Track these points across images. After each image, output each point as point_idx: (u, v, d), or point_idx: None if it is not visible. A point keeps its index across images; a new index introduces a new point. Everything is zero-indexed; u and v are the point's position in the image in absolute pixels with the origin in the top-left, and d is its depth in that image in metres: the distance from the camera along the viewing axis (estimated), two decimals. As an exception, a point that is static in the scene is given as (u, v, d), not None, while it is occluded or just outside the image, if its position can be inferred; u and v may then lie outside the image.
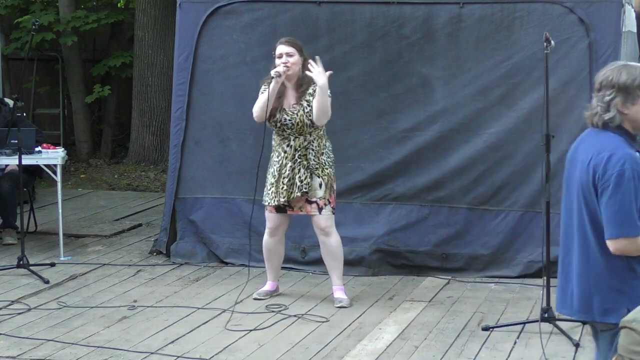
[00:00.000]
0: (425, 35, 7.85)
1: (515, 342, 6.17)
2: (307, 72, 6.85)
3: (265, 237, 7.15)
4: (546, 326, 6.27)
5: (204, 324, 6.61)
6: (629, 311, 3.20)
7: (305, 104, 6.93)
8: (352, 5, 7.95)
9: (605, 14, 7.59)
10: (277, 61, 6.92)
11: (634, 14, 8.57)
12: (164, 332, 6.42)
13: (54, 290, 7.48)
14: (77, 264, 8.28)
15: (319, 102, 6.82)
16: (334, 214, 7.06)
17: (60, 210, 8.44)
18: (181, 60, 8.24)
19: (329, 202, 7.01)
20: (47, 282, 7.62)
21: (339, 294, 7.06)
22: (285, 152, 6.95)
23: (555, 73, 7.46)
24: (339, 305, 6.97)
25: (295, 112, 6.92)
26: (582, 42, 7.60)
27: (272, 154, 7.06)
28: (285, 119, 6.92)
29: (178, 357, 5.93)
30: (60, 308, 7.00)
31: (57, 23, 13.13)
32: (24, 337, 6.29)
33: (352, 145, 8.01)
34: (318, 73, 6.79)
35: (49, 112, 14.02)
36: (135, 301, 7.16)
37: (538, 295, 7.09)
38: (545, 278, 6.39)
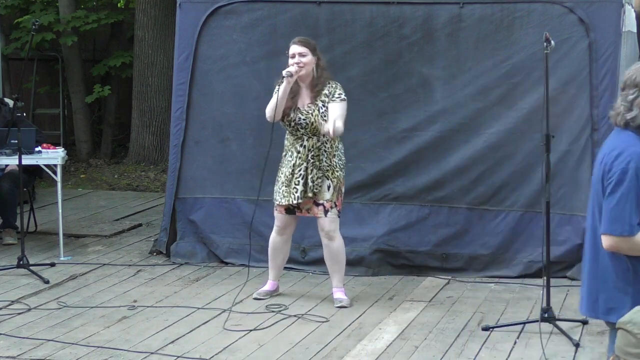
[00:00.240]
0: (425, 35, 7.85)
1: (515, 342, 6.17)
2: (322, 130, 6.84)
3: (273, 235, 7.13)
4: (546, 326, 6.28)
5: (203, 324, 6.61)
6: None
7: (320, 104, 6.91)
8: (352, 5, 7.95)
9: (605, 14, 7.59)
10: (290, 61, 6.90)
11: (634, 14, 8.57)
12: (164, 332, 6.42)
13: (54, 290, 7.48)
14: (77, 264, 8.28)
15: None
16: (339, 217, 7.05)
17: (60, 210, 8.44)
18: (181, 60, 8.24)
19: (336, 205, 7.00)
20: (47, 282, 7.62)
21: (340, 294, 7.06)
22: (298, 152, 6.93)
23: (555, 73, 7.46)
24: (339, 305, 6.97)
25: (310, 111, 6.90)
26: (582, 42, 7.61)
27: (284, 154, 7.03)
28: (300, 118, 6.90)
29: (178, 357, 5.93)
30: (60, 308, 7.00)
31: (57, 23, 13.13)
32: (24, 337, 6.29)
33: (352, 145, 8.00)
34: (328, 131, 6.78)
35: (49, 112, 14.03)
36: (135, 301, 7.16)
37: (538, 295, 7.09)
38: (545, 278, 6.39)
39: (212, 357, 5.93)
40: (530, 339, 6.20)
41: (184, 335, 6.36)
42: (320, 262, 7.76)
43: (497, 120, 7.80)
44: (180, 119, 8.26)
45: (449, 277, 7.75)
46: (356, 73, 7.96)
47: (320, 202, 6.95)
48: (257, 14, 8.10)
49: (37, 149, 8.36)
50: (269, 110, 6.91)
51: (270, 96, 7.05)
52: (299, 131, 6.92)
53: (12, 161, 8.32)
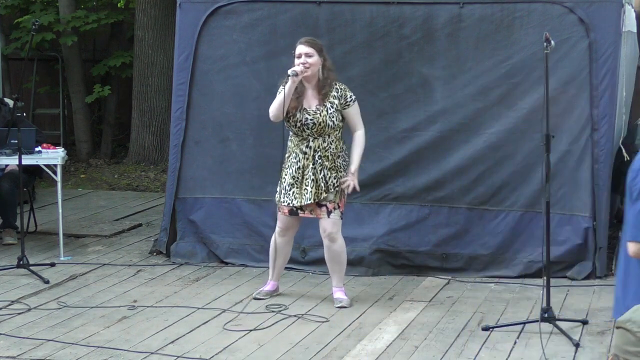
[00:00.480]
0: (425, 35, 7.85)
1: (515, 342, 6.17)
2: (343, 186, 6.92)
3: (275, 236, 7.12)
4: (546, 326, 6.28)
5: (204, 324, 6.61)
6: None
7: (329, 105, 6.90)
8: (352, 5, 7.95)
9: (605, 14, 7.59)
10: (296, 61, 6.88)
11: (634, 14, 8.58)
12: (164, 332, 6.42)
13: (54, 290, 7.48)
14: (77, 264, 8.28)
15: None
16: (341, 218, 7.04)
17: (60, 210, 8.44)
18: (181, 60, 8.24)
19: (338, 207, 6.99)
20: (47, 282, 7.62)
21: (340, 294, 7.06)
22: (304, 153, 6.91)
23: (555, 73, 7.46)
24: (339, 305, 6.97)
25: (319, 112, 6.88)
26: (582, 42, 7.61)
27: (288, 155, 6.99)
28: (307, 118, 6.88)
29: (178, 357, 5.93)
30: (60, 308, 7.00)
31: (57, 23, 13.13)
32: (24, 337, 6.29)
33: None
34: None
35: (49, 112, 14.03)
36: (135, 301, 7.16)
37: (538, 295, 7.09)
38: (545, 278, 6.39)
39: (212, 357, 5.93)
40: (530, 339, 6.20)
41: (184, 335, 6.36)
42: (320, 262, 7.76)
43: (497, 120, 7.80)
44: (180, 119, 8.26)
45: (449, 277, 7.75)
46: (356, 73, 7.96)
47: (324, 203, 6.95)
48: (257, 14, 8.10)
49: (37, 149, 8.36)
50: (274, 109, 6.87)
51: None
52: (305, 132, 6.90)
53: (12, 161, 8.32)
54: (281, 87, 6.92)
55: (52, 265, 8.13)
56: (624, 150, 7.89)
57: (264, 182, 7.99)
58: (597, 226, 7.62)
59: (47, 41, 13.16)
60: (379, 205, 8.00)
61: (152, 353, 6.00)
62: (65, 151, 8.63)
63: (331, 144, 6.94)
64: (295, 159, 6.92)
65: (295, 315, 6.75)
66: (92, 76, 13.66)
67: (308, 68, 6.84)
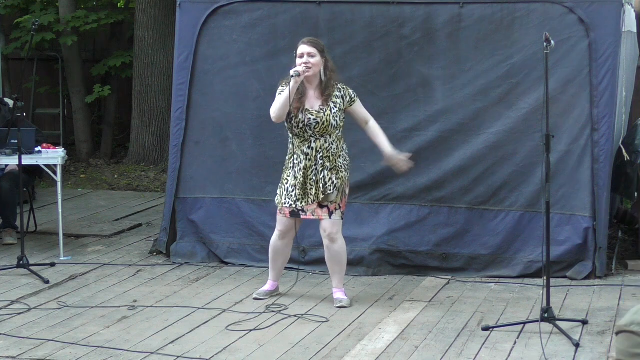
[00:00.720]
0: (425, 35, 7.85)
1: (515, 342, 6.17)
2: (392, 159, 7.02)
3: (274, 239, 7.11)
4: (546, 326, 6.28)
5: (204, 324, 6.61)
6: None
7: (332, 105, 6.91)
8: (352, 5, 7.95)
9: (605, 14, 7.59)
10: (298, 61, 6.87)
11: (634, 14, 8.58)
12: (164, 332, 6.42)
13: (54, 290, 7.48)
14: (77, 264, 8.28)
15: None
16: (342, 219, 7.04)
17: (60, 210, 8.44)
18: (181, 60, 8.24)
19: (340, 207, 6.99)
20: (47, 282, 7.62)
21: (340, 294, 7.06)
22: (307, 154, 6.91)
23: (555, 73, 7.47)
24: (339, 305, 6.97)
25: (323, 112, 6.87)
26: (582, 42, 7.60)
27: (289, 157, 6.98)
28: (310, 119, 6.87)
29: (178, 357, 5.93)
30: (60, 308, 7.00)
31: (57, 23, 13.13)
32: (24, 337, 6.29)
33: (352, 145, 7.98)
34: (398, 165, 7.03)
35: (49, 112, 14.02)
36: (135, 301, 7.16)
37: (538, 295, 7.09)
38: (545, 278, 6.39)
39: (212, 357, 5.93)
40: (530, 339, 6.20)
41: (184, 335, 6.36)
42: (320, 262, 7.76)
43: (497, 120, 7.80)
44: (180, 119, 8.26)
45: (449, 277, 7.75)
46: (356, 73, 7.96)
47: (325, 204, 6.94)
48: (257, 14, 8.10)
49: (37, 149, 8.36)
50: (277, 110, 6.85)
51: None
52: (307, 132, 6.89)
53: (12, 161, 8.32)
54: (280, 87, 6.92)
55: (52, 265, 8.13)
56: (624, 150, 7.89)
57: (264, 182, 7.99)
58: (597, 226, 7.62)
59: (47, 41, 13.16)
60: (379, 205, 8.00)
61: (152, 353, 6.00)
62: (65, 151, 8.63)
63: (332, 144, 6.94)
64: (297, 160, 6.91)
65: (295, 315, 6.75)
66: (92, 76, 13.65)
67: (310, 68, 6.84)
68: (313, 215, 6.97)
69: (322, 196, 6.89)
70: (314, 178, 6.88)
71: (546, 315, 6.30)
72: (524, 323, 6.45)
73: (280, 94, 6.89)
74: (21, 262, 7.82)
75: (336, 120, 6.90)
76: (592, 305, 7.00)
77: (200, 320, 6.69)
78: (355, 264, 7.85)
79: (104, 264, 8.28)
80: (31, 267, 7.84)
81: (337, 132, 6.97)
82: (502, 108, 7.79)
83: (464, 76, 7.83)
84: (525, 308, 6.94)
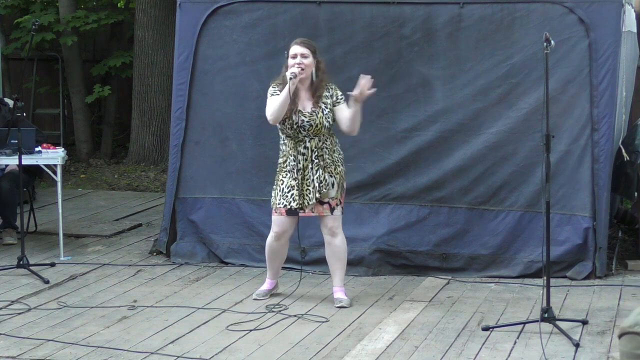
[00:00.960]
0: (425, 35, 7.85)
1: (515, 342, 6.17)
2: (350, 94, 6.85)
3: (270, 240, 7.11)
4: (546, 326, 6.28)
5: (204, 324, 6.61)
6: None
7: (323, 106, 6.91)
8: (352, 5, 7.95)
9: (605, 14, 7.59)
10: (291, 61, 6.88)
11: (634, 14, 8.58)
12: (164, 332, 6.42)
13: (54, 290, 7.48)
14: (77, 264, 8.28)
15: (358, 117, 6.89)
16: (342, 213, 7.05)
17: (60, 210, 8.44)
18: (181, 60, 8.24)
19: (340, 202, 7.00)
20: (47, 282, 7.62)
21: (340, 294, 7.06)
22: (303, 154, 6.90)
23: (555, 73, 7.47)
24: (339, 305, 6.97)
25: (315, 114, 6.88)
26: (582, 42, 7.60)
27: (283, 158, 6.98)
28: (303, 120, 6.87)
29: (178, 357, 5.93)
30: (60, 308, 7.00)
31: (57, 23, 13.13)
32: (24, 337, 6.29)
33: (352, 145, 7.99)
34: (361, 92, 6.80)
35: (49, 112, 14.02)
36: (135, 301, 7.16)
37: (538, 295, 7.09)
38: (545, 278, 6.39)
39: (212, 357, 5.93)
40: (530, 339, 6.20)
41: (184, 335, 6.36)
42: (320, 262, 7.77)
43: (497, 120, 7.80)
44: (180, 119, 8.26)
45: (449, 277, 7.75)
46: (356, 73, 7.92)
47: (326, 200, 6.95)
48: (257, 14, 8.10)
49: (37, 149, 8.36)
50: (274, 111, 6.84)
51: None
52: (301, 133, 6.90)
53: (12, 161, 8.32)
54: (272, 88, 6.93)
55: (52, 265, 8.13)
56: (623, 150, 7.90)
57: (264, 182, 7.99)
58: (597, 226, 7.62)
59: (47, 41, 13.16)
60: (379, 205, 8.00)
61: (152, 353, 6.00)
62: (65, 151, 8.63)
63: (326, 141, 6.96)
64: (295, 161, 6.90)
65: (295, 315, 6.76)
66: (92, 76, 13.65)
67: (303, 70, 6.85)
68: (313, 212, 6.97)
69: (318, 195, 6.89)
70: (311, 177, 6.88)
71: (546, 315, 6.30)
72: (524, 323, 6.45)
73: (272, 95, 6.89)
74: (21, 262, 7.82)
75: (328, 122, 6.92)
76: (592, 305, 7.00)
77: (200, 320, 6.69)
78: (355, 264, 7.85)
79: (104, 264, 8.28)
80: (31, 267, 7.84)
81: (329, 132, 6.98)
82: (502, 108, 7.79)
83: (464, 76, 7.83)
84: (525, 308, 6.94)
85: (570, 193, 7.68)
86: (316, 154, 6.90)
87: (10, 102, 9.20)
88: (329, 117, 6.91)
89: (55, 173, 8.31)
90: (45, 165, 8.36)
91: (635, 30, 8.74)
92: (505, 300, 7.15)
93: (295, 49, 6.90)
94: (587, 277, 7.62)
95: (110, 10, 13.54)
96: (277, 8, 8.06)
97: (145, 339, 6.29)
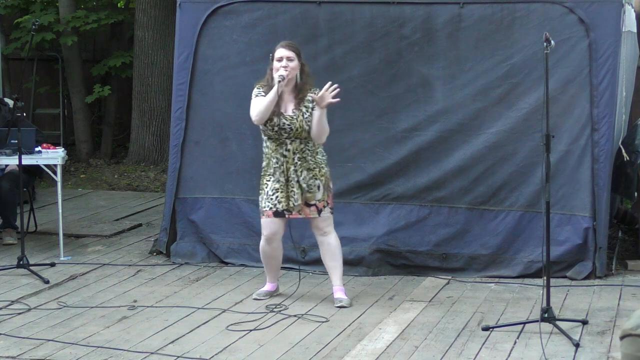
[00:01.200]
0: (425, 35, 7.85)
1: (515, 342, 6.17)
2: (311, 95, 6.86)
3: (262, 244, 7.12)
4: (546, 326, 6.28)
5: (204, 324, 6.61)
6: None
7: (304, 109, 6.93)
8: (352, 5, 7.95)
9: (605, 14, 7.59)
10: (277, 64, 6.90)
11: (634, 14, 8.58)
12: (164, 332, 6.42)
13: (54, 290, 7.48)
14: (77, 264, 8.28)
15: (321, 124, 6.86)
16: (332, 214, 7.06)
17: (60, 210, 8.44)
18: (181, 60, 8.24)
19: (327, 204, 7.01)
20: (47, 282, 7.62)
21: (339, 294, 7.06)
22: (285, 156, 6.93)
23: (555, 73, 7.47)
24: (339, 305, 6.97)
25: (295, 117, 6.91)
26: (582, 42, 7.60)
27: (266, 161, 7.01)
28: (284, 123, 6.90)
29: (178, 357, 5.93)
30: (60, 308, 7.00)
31: (57, 23, 13.13)
32: (24, 337, 6.29)
33: (352, 145, 8.01)
34: (322, 97, 6.79)
35: (49, 112, 14.02)
36: (135, 301, 7.16)
37: (538, 295, 7.09)
38: (545, 278, 6.39)
39: (212, 357, 5.93)
40: (530, 339, 6.20)
41: (184, 335, 6.36)
42: (320, 262, 7.77)
43: (497, 120, 7.80)
44: (180, 119, 8.26)
45: (449, 277, 7.75)
46: (356, 73, 7.96)
47: (312, 202, 6.96)
48: (257, 14, 8.10)
49: (37, 149, 8.36)
50: (260, 112, 6.87)
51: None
52: (282, 135, 6.92)
53: (12, 161, 8.32)
54: (256, 90, 6.97)
55: (52, 265, 8.13)
56: (623, 150, 7.90)
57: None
58: (597, 226, 7.62)
59: (47, 41, 13.16)
60: (379, 205, 8.00)
61: (152, 353, 6.00)
62: (65, 151, 8.63)
63: (308, 143, 6.97)
64: (277, 163, 6.93)
65: (295, 315, 6.76)
66: (92, 76, 13.65)
67: (289, 72, 6.88)
68: (300, 214, 6.98)
69: (308, 194, 6.89)
70: (296, 178, 6.89)
71: (546, 315, 6.30)
72: (524, 323, 6.45)
73: (257, 96, 6.92)
74: (21, 262, 7.82)
75: (308, 125, 6.92)
76: (592, 305, 7.00)
77: (200, 320, 6.69)
78: (355, 264, 7.85)
79: (104, 264, 8.28)
80: (31, 267, 7.84)
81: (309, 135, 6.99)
82: (502, 108, 7.79)
83: (464, 76, 7.83)
84: (525, 308, 6.94)
85: (570, 193, 7.68)
86: (298, 155, 6.92)
87: (10, 102, 9.20)
88: (309, 121, 6.92)
89: (55, 173, 8.32)
90: (45, 165, 8.36)
91: (635, 30, 8.74)
92: (505, 300, 7.15)
93: (281, 52, 6.93)
94: (587, 277, 7.62)
95: (110, 10, 13.54)
96: (277, 8, 8.07)
97: (145, 339, 6.29)
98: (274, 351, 6.03)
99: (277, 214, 6.97)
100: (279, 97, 6.89)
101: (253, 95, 6.97)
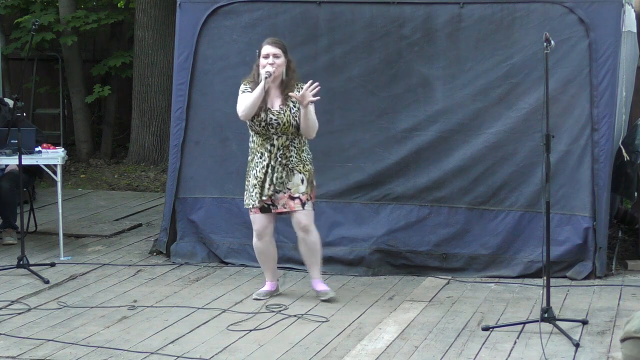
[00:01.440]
0: (425, 35, 7.85)
1: (515, 342, 6.17)
2: (292, 94, 6.89)
3: (255, 241, 7.14)
4: (546, 326, 6.28)
5: (204, 324, 6.61)
6: None
7: (291, 104, 6.96)
8: (352, 5, 7.95)
9: (605, 14, 7.59)
10: (263, 61, 6.94)
11: (634, 14, 8.58)
12: (164, 332, 6.42)
13: (54, 290, 7.48)
14: (77, 264, 8.28)
15: (310, 121, 6.89)
16: (314, 210, 7.07)
17: (60, 210, 8.44)
18: (181, 60, 8.25)
19: (310, 198, 7.03)
20: (47, 282, 7.62)
21: (322, 286, 7.11)
22: (269, 151, 6.96)
23: (555, 73, 7.47)
24: (325, 298, 7.03)
25: (283, 112, 6.94)
26: (582, 42, 7.60)
27: (252, 157, 7.04)
28: (272, 118, 6.94)
29: (178, 357, 5.93)
30: (60, 308, 7.00)
31: (57, 23, 13.13)
32: (24, 337, 6.29)
33: (352, 145, 8.01)
34: (303, 96, 6.81)
35: (49, 112, 14.02)
36: (135, 301, 7.16)
37: (538, 295, 7.10)
38: (545, 278, 6.39)
39: (212, 357, 5.93)
40: (530, 339, 6.20)
41: (184, 335, 6.36)
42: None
43: (497, 120, 7.80)
44: (180, 119, 8.26)
45: (449, 277, 7.75)
46: (356, 73, 7.96)
47: (296, 195, 6.97)
48: (257, 14, 8.10)
49: (37, 149, 8.36)
50: (247, 108, 6.90)
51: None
52: (269, 131, 6.95)
53: (12, 161, 8.33)
54: (243, 86, 7.01)
55: (52, 265, 8.13)
56: (624, 150, 7.90)
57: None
58: (597, 226, 7.62)
59: (47, 41, 13.16)
60: (379, 205, 8.00)
61: (152, 353, 6.00)
62: (65, 151, 8.63)
63: (294, 140, 6.99)
64: (261, 158, 6.96)
65: (295, 315, 6.76)
66: (92, 76, 13.65)
67: (276, 69, 6.91)
68: (285, 207, 6.99)
69: (270, 192, 6.89)
70: (272, 174, 6.90)
71: (546, 315, 6.30)
72: (524, 323, 6.45)
73: (244, 92, 6.96)
74: (21, 262, 7.82)
75: (296, 120, 6.96)
76: (592, 305, 7.00)
77: (200, 320, 6.69)
78: (355, 264, 7.86)
79: (104, 264, 8.28)
80: (31, 267, 7.84)
81: (297, 130, 7.00)
82: (502, 108, 7.79)
83: (464, 76, 7.83)
84: (525, 308, 6.94)
85: (570, 193, 7.68)
86: (281, 152, 6.94)
87: (10, 102, 9.20)
88: (296, 116, 6.95)
89: (55, 173, 8.32)
90: (45, 165, 8.36)
91: (635, 30, 8.74)
92: (505, 300, 7.15)
93: (267, 49, 6.97)
94: (587, 277, 7.62)
95: (110, 10, 13.54)
96: (277, 8, 8.07)
97: (145, 339, 6.29)
98: (274, 351, 6.03)
99: (263, 209, 7.00)
100: (266, 94, 6.94)
101: (240, 92, 7.01)
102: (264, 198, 6.94)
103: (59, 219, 8.47)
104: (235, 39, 8.15)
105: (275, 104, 6.99)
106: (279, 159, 6.95)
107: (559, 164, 7.58)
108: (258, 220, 7.07)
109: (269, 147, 6.97)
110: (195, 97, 8.25)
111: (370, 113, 7.98)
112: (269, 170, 6.94)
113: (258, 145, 7.00)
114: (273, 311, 6.86)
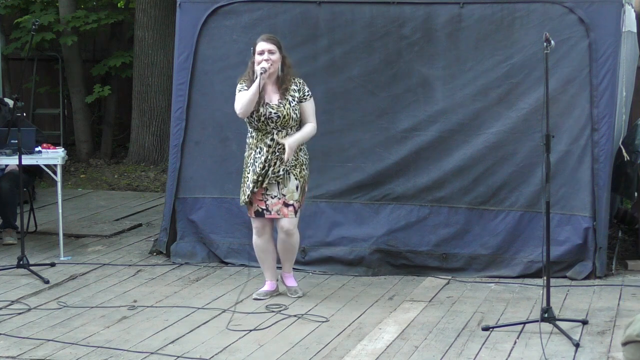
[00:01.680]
0: (425, 35, 7.85)
1: (515, 342, 6.17)
2: (281, 141, 6.95)
3: (254, 238, 7.16)
4: (546, 326, 6.28)
5: (204, 324, 6.62)
6: None
7: (290, 98, 6.98)
8: (352, 5, 7.95)
9: (605, 14, 7.59)
10: (258, 57, 6.95)
11: (634, 14, 8.58)
12: (164, 332, 6.42)
13: (54, 290, 7.48)
14: (77, 264, 8.28)
15: (306, 140, 7.04)
16: (298, 216, 7.12)
17: (60, 210, 8.44)
18: (181, 60, 8.25)
19: (300, 205, 7.07)
20: (47, 282, 7.62)
21: (292, 282, 7.23)
22: (269, 146, 6.97)
23: (555, 73, 7.47)
24: (295, 296, 7.14)
25: (282, 105, 6.95)
26: (582, 42, 7.61)
27: (248, 152, 7.05)
28: (271, 112, 6.95)
29: (178, 357, 5.93)
30: (60, 308, 7.00)
31: (57, 23, 13.13)
32: (24, 337, 6.29)
33: (352, 145, 8.00)
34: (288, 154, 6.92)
35: (49, 112, 14.02)
36: (135, 301, 7.16)
37: (538, 295, 7.10)
38: (545, 278, 6.39)
39: (212, 357, 5.93)
40: (530, 339, 6.20)
41: (184, 335, 6.36)
42: (320, 262, 7.82)
43: (497, 120, 7.80)
44: (180, 119, 8.26)
45: (449, 277, 7.75)
46: (356, 73, 7.96)
47: (291, 203, 6.99)
48: (257, 14, 8.10)
49: (37, 149, 8.36)
50: (244, 105, 6.92)
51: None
52: (269, 125, 6.96)
53: (12, 161, 8.33)
54: (239, 85, 7.02)
55: (52, 265, 8.13)
56: (624, 150, 7.90)
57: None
58: (597, 226, 7.62)
59: (47, 41, 13.16)
60: (379, 205, 8.00)
61: (152, 353, 6.00)
62: (65, 151, 8.63)
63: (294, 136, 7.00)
64: (259, 153, 6.97)
65: (295, 315, 6.76)
66: (92, 76, 13.66)
67: (271, 65, 6.92)
68: (278, 214, 7.00)
69: (265, 184, 6.91)
70: (269, 168, 6.92)
71: (546, 315, 6.30)
72: (524, 323, 6.45)
73: (240, 91, 6.98)
74: (21, 262, 7.82)
75: (296, 113, 7.00)
76: (592, 305, 7.00)
77: (200, 320, 6.69)
78: (355, 264, 7.86)
79: (104, 264, 8.28)
80: (31, 267, 7.84)
81: (298, 125, 7.01)
82: (502, 108, 7.80)
83: (464, 76, 7.83)
84: (525, 308, 6.94)
85: (570, 193, 7.68)
86: (281, 147, 6.94)
87: (10, 102, 9.20)
88: (296, 110, 6.98)
89: (55, 173, 8.32)
90: (45, 165, 8.36)
91: (635, 30, 8.74)
92: (505, 300, 7.15)
93: (262, 45, 6.97)
94: (587, 277, 7.62)
95: (110, 10, 13.54)
96: (277, 8, 8.07)
97: (145, 339, 6.29)
98: (274, 351, 6.03)
99: (258, 213, 7.03)
100: (262, 90, 6.96)
101: (237, 91, 7.03)
102: (255, 190, 6.94)
103: (59, 219, 8.47)
104: (235, 39, 8.15)
105: (274, 98, 7.00)
106: (277, 153, 6.95)
107: (559, 164, 7.58)
108: (257, 219, 7.09)
109: (268, 142, 6.97)
110: (195, 97, 8.25)
111: (370, 113, 7.98)
112: (266, 166, 6.95)
113: (257, 141, 7.01)
114: (273, 311, 6.86)
